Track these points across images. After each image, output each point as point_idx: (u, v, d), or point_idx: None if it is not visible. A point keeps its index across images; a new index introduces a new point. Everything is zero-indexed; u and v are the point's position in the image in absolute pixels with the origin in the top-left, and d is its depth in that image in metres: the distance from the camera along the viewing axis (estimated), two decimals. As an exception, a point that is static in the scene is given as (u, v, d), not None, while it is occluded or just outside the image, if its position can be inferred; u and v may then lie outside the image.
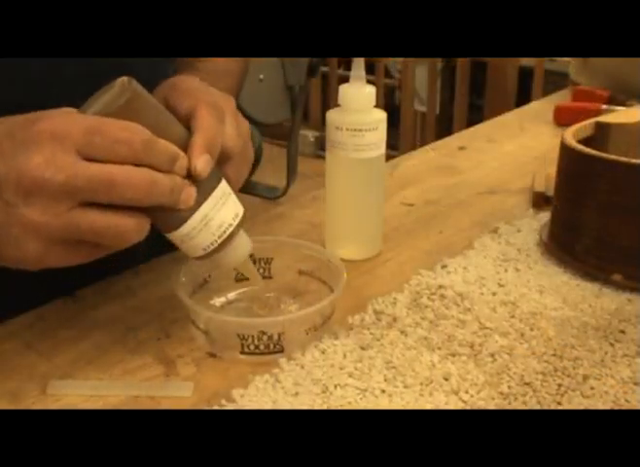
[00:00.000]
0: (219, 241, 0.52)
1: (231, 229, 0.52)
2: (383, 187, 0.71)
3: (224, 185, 0.52)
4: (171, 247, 0.72)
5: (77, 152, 0.46)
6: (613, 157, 0.64)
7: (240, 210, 0.53)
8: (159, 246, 0.73)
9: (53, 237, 0.48)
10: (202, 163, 0.49)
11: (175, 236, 0.52)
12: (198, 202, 0.50)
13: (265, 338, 0.55)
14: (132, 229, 0.48)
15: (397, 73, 3.02)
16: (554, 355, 0.56)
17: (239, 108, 0.57)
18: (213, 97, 0.53)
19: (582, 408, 0.51)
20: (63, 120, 0.47)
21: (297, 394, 0.52)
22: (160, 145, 0.48)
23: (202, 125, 0.50)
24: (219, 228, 0.51)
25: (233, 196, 0.53)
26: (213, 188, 0.51)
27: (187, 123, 0.51)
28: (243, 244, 0.55)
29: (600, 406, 0.51)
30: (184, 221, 0.50)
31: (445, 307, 0.62)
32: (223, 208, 0.52)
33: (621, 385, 0.53)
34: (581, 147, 0.67)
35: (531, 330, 0.59)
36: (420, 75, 2.87)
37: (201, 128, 0.50)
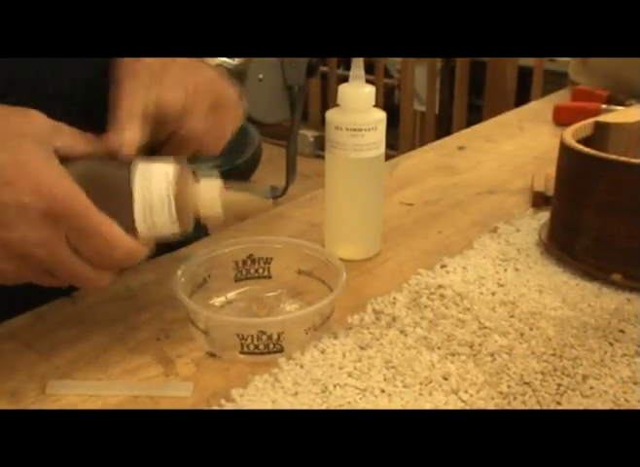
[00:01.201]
0: (174, 213, 0.51)
1: (170, 195, 0.50)
2: (382, 187, 0.71)
3: (141, 166, 0.51)
4: (170, 247, 0.73)
5: (66, 236, 0.48)
6: (612, 156, 0.64)
7: (169, 168, 0.51)
8: (158, 246, 0.73)
9: (34, 266, 0.49)
10: (126, 150, 0.51)
11: (143, 236, 0.51)
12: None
13: (264, 337, 0.55)
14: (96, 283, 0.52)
15: (396, 73, 3.02)
16: (554, 355, 0.56)
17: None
18: (137, 64, 0.53)
19: (581, 407, 0.51)
20: (67, 203, 0.48)
21: (296, 394, 0.52)
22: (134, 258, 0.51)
23: (120, 104, 0.52)
24: (161, 203, 0.50)
25: (155, 163, 0.51)
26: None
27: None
28: (206, 190, 0.53)
29: (600, 405, 0.51)
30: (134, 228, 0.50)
31: (445, 307, 0.62)
32: (152, 183, 0.50)
33: (620, 385, 0.53)
34: (580, 147, 0.67)
35: (530, 330, 0.59)
36: (420, 75, 2.87)
37: (119, 108, 0.52)
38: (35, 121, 0.50)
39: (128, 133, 0.52)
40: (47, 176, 0.47)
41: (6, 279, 0.50)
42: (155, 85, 0.53)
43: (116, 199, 0.50)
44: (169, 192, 0.50)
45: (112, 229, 0.49)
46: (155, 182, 0.50)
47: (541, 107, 1.18)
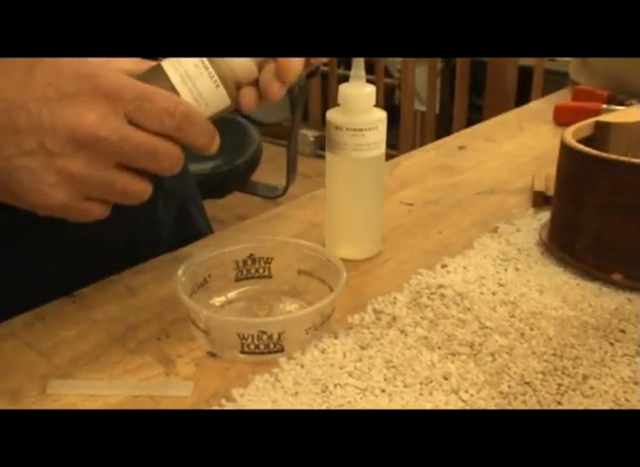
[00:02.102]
0: (212, 72, 0.52)
1: (203, 59, 0.52)
2: (383, 187, 0.71)
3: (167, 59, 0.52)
4: (170, 247, 0.73)
5: (125, 115, 0.48)
6: (613, 156, 0.64)
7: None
8: (158, 246, 0.73)
9: (85, 191, 0.50)
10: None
11: None
12: None
13: (264, 337, 0.55)
14: (148, 192, 0.53)
15: (397, 73, 3.02)
16: (554, 355, 0.56)
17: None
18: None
19: (582, 407, 0.51)
20: (117, 81, 0.48)
21: (296, 393, 0.52)
22: (198, 120, 0.51)
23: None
24: (196, 66, 0.51)
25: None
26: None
27: None
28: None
29: (600, 405, 0.51)
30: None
31: (445, 307, 0.62)
32: (181, 59, 0.52)
33: (621, 385, 0.53)
34: (581, 146, 0.67)
35: (531, 329, 0.59)
36: (420, 75, 2.88)
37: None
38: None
39: None
40: (85, 66, 0.48)
41: (65, 212, 0.50)
42: None
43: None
44: (201, 58, 0.52)
45: (167, 91, 0.50)
46: (183, 59, 0.52)
47: (541, 107, 1.18)
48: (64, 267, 0.67)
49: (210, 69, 0.52)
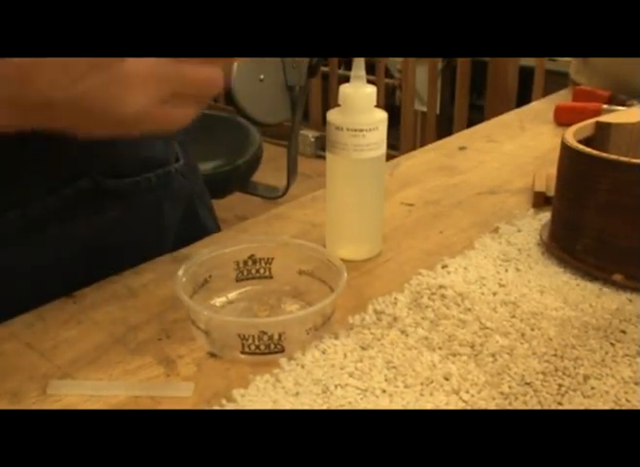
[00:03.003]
0: None
1: None
2: (383, 187, 0.71)
3: None
4: (176, 247, 0.73)
5: None
6: (613, 157, 0.64)
7: None
8: (164, 246, 0.73)
9: (160, 90, 0.49)
10: None
11: None
12: None
13: (265, 338, 0.55)
14: (220, 80, 0.51)
15: (397, 73, 3.02)
16: (555, 355, 0.56)
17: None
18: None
19: (582, 408, 0.51)
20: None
21: (297, 394, 0.52)
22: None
23: None
24: None
25: None
26: None
27: None
28: None
29: (601, 406, 0.51)
30: None
31: (446, 307, 0.62)
32: None
33: (621, 385, 0.53)
34: (581, 147, 0.67)
35: (532, 330, 0.59)
36: (421, 75, 2.88)
37: None
38: None
39: None
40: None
41: (142, 121, 0.50)
42: None
43: None
44: None
45: None
46: None
47: (542, 107, 1.18)
48: (68, 268, 0.67)
49: None
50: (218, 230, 0.85)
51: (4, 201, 0.62)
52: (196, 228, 0.80)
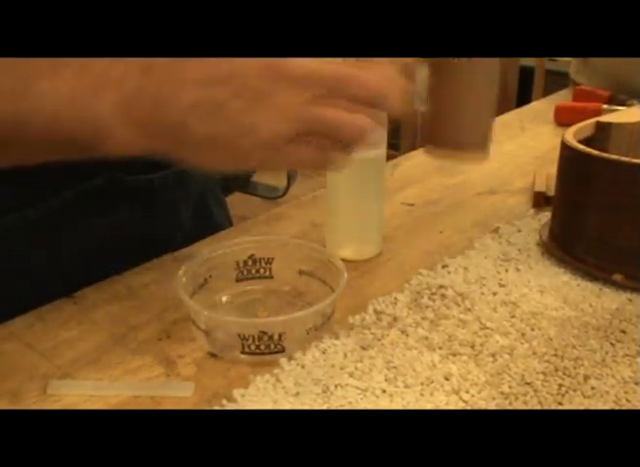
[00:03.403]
0: None
1: None
2: (384, 187, 0.71)
3: None
4: (172, 245, 0.73)
5: None
6: (613, 156, 0.64)
7: None
8: (160, 244, 0.73)
9: (295, 124, 0.46)
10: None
11: None
12: None
13: (265, 338, 0.55)
14: (368, 124, 0.48)
15: (397, 73, 3.02)
16: (555, 355, 0.56)
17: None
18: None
19: (582, 408, 0.51)
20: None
21: (297, 394, 0.52)
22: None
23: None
24: None
25: None
26: None
27: None
28: None
29: (601, 406, 0.51)
30: None
31: (446, 307, 0.62)
32: None
33: (622, 385, 0.53)
34: (582, 147, 0.67)
35: (532, 330, 0.59)
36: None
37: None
38: None
39: None
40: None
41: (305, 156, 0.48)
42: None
43: None
44: None
45: None
46: None
47: (542, 107, 1.18)
48: (78, 267, 0.67)
49: None
50: (230, 225, 0.85)
51: (21, 199, 0.62)
52: (209, 225, 0.80)
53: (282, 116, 0.46)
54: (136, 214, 0.70)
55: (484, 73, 0.57)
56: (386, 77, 0.48)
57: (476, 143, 0.57)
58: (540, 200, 0.82)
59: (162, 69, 0.46)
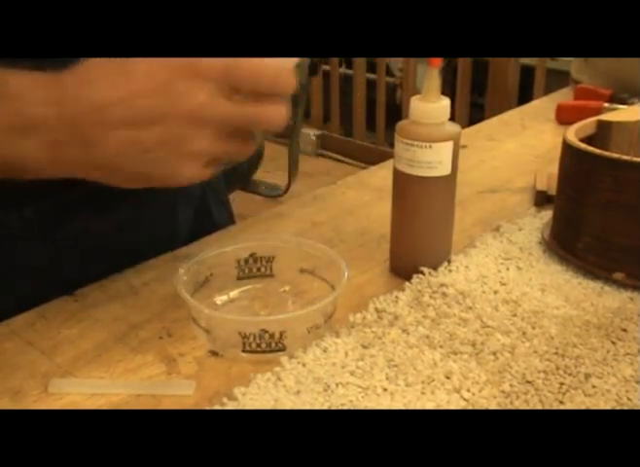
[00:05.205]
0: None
1: None
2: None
3: None
4: (172, 245, 0.73)
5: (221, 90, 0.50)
6: (615, 155, 0.64)
7: None
8: (160, 244, 0.73)
9: (211, 160, 0.52)
10: None
11: None
12: None
13: (266, 336, 0.55)
14: (280, 113, 0.52)
15: (398, 72, 3.02)
16: (556, 354, 0.56)
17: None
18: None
19: (584, 406, 0.51)
20: (203, 61, 0.50)
21: (298, 392, 0.52)
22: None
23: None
24: None
25: None
26: None
27: None
28: None
29: (602, 404, 0.51)
30: None
31: (447, 306, 0.62)
32: None
33: (623, 384, 0.53)
34: (583, 145, 0.67)
35: (533, 328, 0.59)
36: (422, 74, 2.87)
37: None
38: None
39: None
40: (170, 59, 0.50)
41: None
42: None
43: None
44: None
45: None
46: None
47: (543, 106, 1.18)
48: (77, 267, 0.67)
49: None
50: (233, 223, 0.85)
51: (20, 198, 0.62)
52: (209, 225, 0.80)
53: (201, 162, 0.51)
54: (136, 214, 0.70)
55: None
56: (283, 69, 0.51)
57: None
58: (541, 199, 0.82)
59: (78, 101, 0.49)
